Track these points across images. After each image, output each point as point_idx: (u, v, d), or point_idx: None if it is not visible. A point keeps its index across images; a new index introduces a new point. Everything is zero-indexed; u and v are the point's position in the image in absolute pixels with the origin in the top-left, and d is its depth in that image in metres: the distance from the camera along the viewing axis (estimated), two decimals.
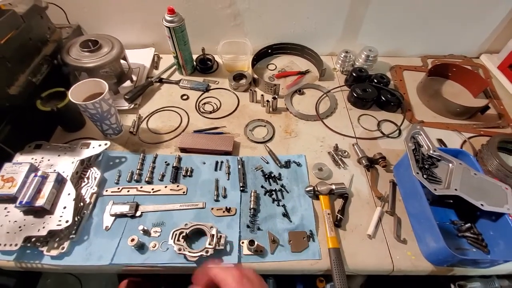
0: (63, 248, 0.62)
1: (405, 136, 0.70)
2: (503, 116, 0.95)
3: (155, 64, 1.09)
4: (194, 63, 1.06)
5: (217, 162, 0.80)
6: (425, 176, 0.66)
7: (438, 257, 0.62)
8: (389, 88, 0.97)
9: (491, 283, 0.70)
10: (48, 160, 0.72)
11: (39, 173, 0.66)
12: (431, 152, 0.69)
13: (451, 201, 0.72)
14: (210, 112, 0.94)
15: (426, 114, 0.95)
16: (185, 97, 0.98)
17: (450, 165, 0.68)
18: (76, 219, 0.66)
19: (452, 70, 1.04)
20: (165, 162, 0.79)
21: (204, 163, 0.80)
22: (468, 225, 0.67)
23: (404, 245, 0.66)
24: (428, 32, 1.09)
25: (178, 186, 0.75)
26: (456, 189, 0.63)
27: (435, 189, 0.63)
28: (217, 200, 0.73)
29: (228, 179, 0.77)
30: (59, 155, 0.73)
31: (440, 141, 0.87)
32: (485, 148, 0.81)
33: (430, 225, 0.61)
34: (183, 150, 0.82)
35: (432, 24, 1.06)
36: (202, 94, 0.99)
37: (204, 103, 0.96)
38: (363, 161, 0.79)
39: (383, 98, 0.93)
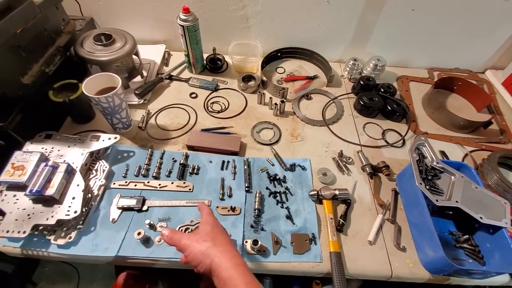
0: (70, 238, 0.63)
1: (410, 147, 0.72)
2: (505, 132, 0.97)
3: (165, 61, 1.10)
4: (204, 62, 1.07)
5: (223, 162, 0.81)
6: (427, 187, 0.67)
7: (436, 266, 0.63)
8: (395, 98, 0.98)
9: None
10: (58, 150, 0.73)
11: (50, 163, 0.67)
12: (434, 163, 0.70)
13: (451, 212, 0.74)
14: (218, 112, 0.95)
15: (430, 126, 0.97)
16: (193, 95, 0.99)
17: (452, 177, 0.70)
18: (84, 210, 0.67)
19: (458, 84, 1.06)
20: (173, 158, 0.80)
21: (211, 161, 0.81)
22: (466, 236, 0.69)
23: (403, 253, 0.68)
24: (436, 45, 1.10)
25: (184, 183, 0.76)
26: (457, 201, 0.65)
27: (437, 200, 0.64)
28: (222, 199, 0.74)
29: (234, 179, 0.78)
30: (69, 146, 0.74)
31: (443, 153, 0.89)
32: (486, 162, 0.83)
33: (430, 235, 0.62)
34: (191, 148, 0.83)
35: (440, 37, 1.08)
36: (211, 93, 1.00)
37: (213, 103, 0.98)
38: (367, 169, 0.80)
39: (389, 108, 0.94)
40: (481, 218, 0.63)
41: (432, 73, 1.16)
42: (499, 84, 1.12)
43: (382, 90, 1.00)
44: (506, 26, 1.03)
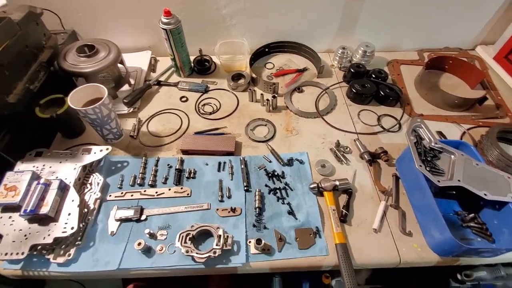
0: (69, 255, 0.62)
1: (407, 130, 0.71)
2: (501, 106, 0.96)
3: (152, 67, 1.08)
4: (192, 64, 1.06)
5: (220, 163, 0.79)
6: (428, 168, 0.66)
7: (444, 248, 0.62)
8: (387, 83, 0.97)
9: (496, 271, 0.70)
10: (50, 167, 0.72)
11: (42, 181, 0.66)
12: (432, 144, 0.69)
13: (454, 192, 0.73)
14: (210, 113, 0.94)
15: (424, 107, 0.96)
16: (184, 99, 0.97)
17: (452, 156, 0.68)
18: (81, 225, 0.66)
19: (449, 62, 1.05)
20: (168, 164, 0.79)
21: (207, 164, 0.80)
22: (472, 215, 0.68)
23: (410, 238, 0.67)
24: (423, 25, 1.09)
25: (182, 188, 0.74)
26: (459, 180, 0.64)
27: (438, 181, 0.63)
28: (221, 201, 0.73)
29: (232, 179, 0.77)
30: (60, 162, 0.73)
31: (440, 133, 0.88)
32: (484, 138, 0.82)
33: (435, 217, 0.61)
34: (185, 152, 0.82)
35: (426, 17, 1.06)
36: (201, 95, 0.99)
37: (204, 104, 0.96)
38: (365, 156, 0.79)
39: (382, 93, 0.93)
40: (485, 195, 0.62)
41: (422, 54, 1.15)
42: (490, 59, 1.11)
43: (374, 76, 0.99)
44: (492, 0, 1.02)
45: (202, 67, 1.05)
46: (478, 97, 0.91)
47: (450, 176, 0.65)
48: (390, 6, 1.02)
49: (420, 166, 0.65)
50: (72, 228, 0.62)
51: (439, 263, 0.65)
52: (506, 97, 0.99)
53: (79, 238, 0.64)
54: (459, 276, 0.71)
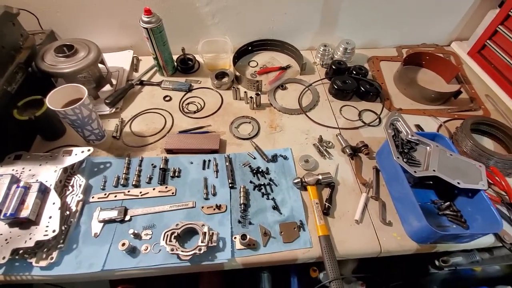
0: (52, 258, 0.61)
1: (385, 123, 0.73)
2: (475, 99, 1.00)
3: (134, 66, 1.07)
4: (175, 63, 1.05)
5: (204, 161, 0.80)
6: (405, 160, 0.69)
7: (421, 235, 0.65)
8: (368, 78, 1.00)
9: (472, 256, 0.74)
10: (30, 170, 0.70)
11: (21, 184, 0.64)
12: (409, 137, 0.72)
13: (431, 182, 0.76)
14: (194, 112, 0.94)
15: (403, 102, 0.99)
16: (167, 98, 0.97)
17: (428, 148, 0.71)
18: (63, 228, 0.65)
19: (426, 58, 1.08)
20: (152, 164, 0.79)
21: (192, 162, 0.80)
22: (447, 203, 0.71)
23: (390, 227, 0.69)
24: (401, 22, 1.13)
25: (166, 187, 0.74)
26: (434, 170, 0.66)
27: (415, 172, 0.66)
28: (206, 199, 0.73)
29: (217, 177, 0.77)
30: (40, 165, 0.71)
31: (418, 126, 0.91)
32: (459, 130, 0.86)
33: (412, 206, 0.64)
34: (169, 151, 0.82)
35: (404, 14, 1.10)
36: (185, 94, 0.99)
37: (188, 103, 0.96)
38: (347, 150, 0.81)
39: (363, 89, 0.96)
40: (458, 183, 0.65)
41: (401, 50, 1.18)
42: (465, 55, 1.15)
43: (354, 72, 1.01)
44: None
45: (186, 66, 1.05)
46: (453, 91, 0.95)
47: (426, 167, 0.68)
48: (368, 4, 1.04)
49: (398, 158, 0.67)
50: (54, 231, 0.61)
51: (418, 251, 0.67)
52: (479, 90, 1.03)
53: (61, 241, 0.63)
54: (437, 263, 0.74)
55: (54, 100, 0.71)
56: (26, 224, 0.62)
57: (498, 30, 1.01)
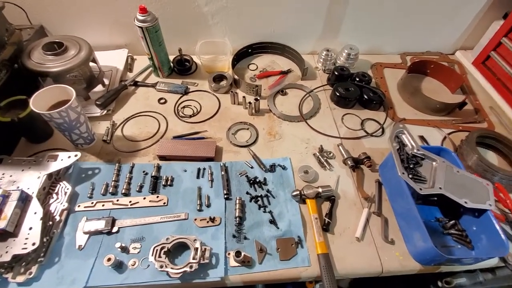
0: (30, 274, 0.57)
1: (389, 136, 0.70)
2: (479, 111, 0.97)
3: (129, 66, 1.03)
4: (171, 64, 1.01)
5: (199, 169, 0.76)
6: (410, 175, 0.65)
7: (425, 257, 0.62)
8: (371, 86, 0.96)
9: (475, 277, 0.71)
10: (10, 176, 0.65)
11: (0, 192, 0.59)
12: (415, 151, 0.68)
13: (435, 198, 0.72)
14: (190, 116, 0.89)
15: (407, 111, 0.96)
16: (162, 100, 0.93)
17: (434, 163, 0.68)
18: (44, 240, 0.60)
19: (430, 67, 1.05)
20: (143, 171, 0.74)
21: (185, 170, 0.76)
22: (453, 222, 0.68)
23: (392, 246, 0.66)
24: (406, 29, 1.10)
25: (158, 196, 0.70)
26: (440, 188, 0.63)
27: (420, 189, 0.62)
28: (200, 210, 0.69)
29: (212, 187, 0.73)
30: (22, 170, 0.67)
31: (422, 137, 0.88)
32: (464, 143, 0.83)
33: (417, 225, 0.60)
34: (162, 158, 0.78)
35: (409, 21, 1.07)
36: (181, 97, 0.94)
37: (183, 107, 0.92)
38: (349, 162, 0.78)
39: (366, 97, 0.92)
40: (465, 203, 0.61)
41: (405, 57, 1.15)
42: (469, 64, 1.13)
43: (357, 79, 0.98)
44: (470, 6, 1.04)
45: (182, 67, 1.01)
46: (458, 102, 0.92)
47: (432, 184, 0.65)
48: (373, 10, 1.01)
49: (403, 173, 0.64)
50: (34, 244, 0.56)
51: (420, 271, 0.64)
52: (483, 102, 1.00)
53: (42, 254, 0.59)
54: (439, 283, 0.72)
55: (39, 102, 0.66)
56: (3, 236, 0.57)
57: (502, 42, 0.99)
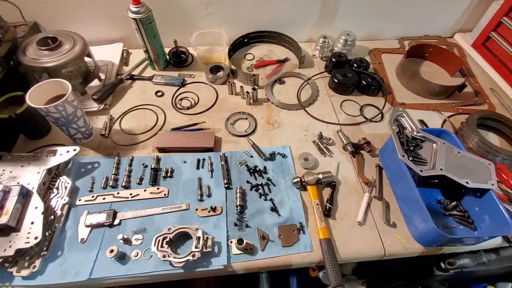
0: (34, 267, 0.57)
1: (389, 119, 0.69)
2: (479, 93, 0.96)
3: (124, 60, 1.02)
4: (167, 57, 1.00)
5: (198, 160, 0.76)
6: (410, 158, 0.65)
7: (427, 238, 0.61)
8: (369, 72, 0.95)
9: (479, 258, 0.71)
10: (10, 172, 0.65)
11: (0, 188, 0.59)
12: (415, 133, 0.68)
13: (436, 180, 0.72)
14: (188, 108, 0.89)
15: (406, 96, 0.95)
16: (159, 93, 0.92)
17: (434, 145, 0.68)
18: (47, 234, 0.60)
19: (429, 50, 1.04)
20: (143, 164, 0.74)
21: (185, 162, 0.76)
22: (454, 203, 0.68)
23: (394, 229, 0.66)
24: (403, 13, 1.08)
25: (158, 188, 0.70)
26: (441, 169, 0.63)
27: (421, 171, 0.62)
28: (201, 200, 0.69)
29: (212, 177, 0.73)
30: (22, 166, 0.67)
31: (422, 121, 0.87)
32: (465, 126, 0.82)
33: (418, 207, 0.60)
34: (162, 150, 0.77)
35: (406, 5, 1.05)
36: (178, 89, 0.94)
37: (181, 99, 0.91)
38: (348, 148, 0.77)
39: (364, 82, 0.91)
40: (467, 183, 0.61)
41: (403, 42, 1.14)
42: (468, 47, 1.11)
43: (355, 65, 0.97)
44: None
45: (178, 59, 1.00)
46: (457, 85, 0.91)
47: (433, 165, 0.65)
48: None
49: (403, 156, 0.63)
50: (36, 238, 0.57)
51: (423, 253, 0.64)
52: (483, 84, 0.99)
53: (45, 248, 0.59)
54: (442, 265, 0.72)
55: (35, 97, 0.66)
56: (5, 231, 0.57)
57: (503, 22, 0.97)
